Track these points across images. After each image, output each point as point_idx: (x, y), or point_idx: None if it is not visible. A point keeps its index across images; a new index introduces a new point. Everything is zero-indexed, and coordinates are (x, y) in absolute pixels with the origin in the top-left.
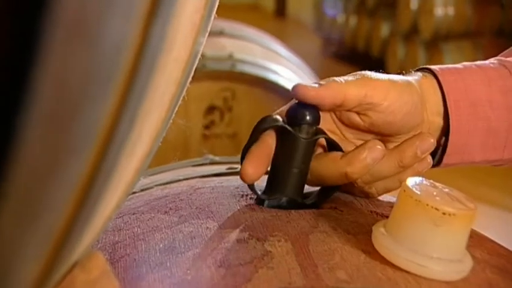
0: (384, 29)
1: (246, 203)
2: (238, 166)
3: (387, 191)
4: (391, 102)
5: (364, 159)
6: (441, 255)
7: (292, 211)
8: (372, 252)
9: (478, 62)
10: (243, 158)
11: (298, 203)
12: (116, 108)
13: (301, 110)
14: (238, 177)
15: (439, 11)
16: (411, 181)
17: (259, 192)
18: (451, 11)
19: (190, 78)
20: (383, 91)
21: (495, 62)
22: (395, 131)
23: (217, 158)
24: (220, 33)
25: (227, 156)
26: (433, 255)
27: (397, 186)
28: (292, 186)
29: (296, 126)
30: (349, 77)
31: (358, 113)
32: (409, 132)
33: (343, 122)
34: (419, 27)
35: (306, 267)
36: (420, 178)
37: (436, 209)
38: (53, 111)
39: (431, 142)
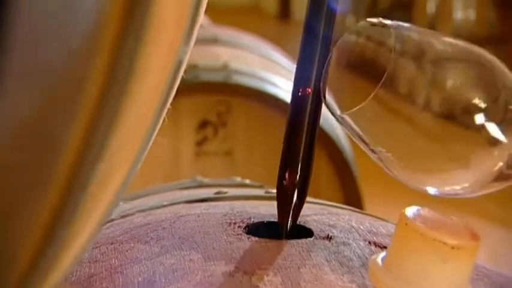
0: None
1: (233, 232)
2: (228, 190)
3: None
4: None
5: None
6: None
7: (284, 241)
8: (368, 287)
9: None
10: None
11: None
12: (79, 148)
13: None
14: (226, 202)
15: (458, 14)
16: (409, 212)
17: None
18: (471, 14)
19: (171, 97)
20: None
21: None
22: None
23: (206, 180)
24: (214, 41)
25: (217, 178)
26: None
27: None
28: None
29: None
30: None
31: None
32: None
33: None
34: None
35: None
36: (417, 207)
37: (444, 243)
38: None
39: None
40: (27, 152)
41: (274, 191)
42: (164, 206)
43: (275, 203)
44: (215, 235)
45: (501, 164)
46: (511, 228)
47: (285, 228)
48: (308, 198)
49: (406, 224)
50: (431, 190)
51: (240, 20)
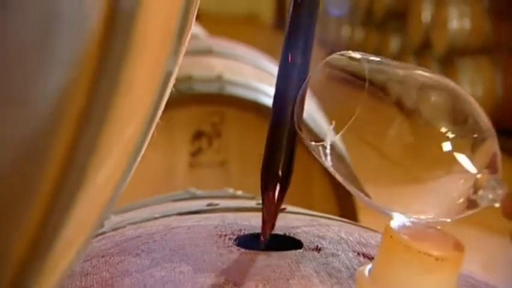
0: (394, 43)
1: (224, 244)
2: (220, 202)
3: None
4: None
5: None
6: None
7: (273, 253)
8: None
9: None
10: None
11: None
12: (60, 169)
13: None
14: (218, 214)
15: (453, 24)
16: (395, 224)
17: None
18: (467, 24)
19: (161, 108)
20: None
21: None
22: None
23: (198, 192)
24: (208, 52)
25: (209, 190)
26: None
27: None
28: None
29: None
30: None
31: None
32: None
33: None
34: (432, 42)
35: None
36: (403, 219)
37: (429, 254)
38: None
39: None
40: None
41: None
42: (156, 218)
43: None
44: (205, 247)
45: (468, 189)
46: (507, 236)
47: (270, 232)
48: (298, 209)
49: (391, 236)
50: (403, 218)
51: (237, 29)
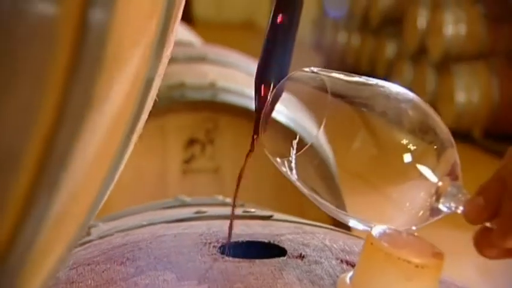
0: (389, 49)
1: (208, 252)
2: (207, 209)
3: None
4: None
5: None
6: None
7: (256, 260)
8: None
9: None
10: None
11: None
12: (32, 179)
13: None
14: (204, 222)
15: (449, 29)
16: (376, 231)
17: None
18: (462, 29)
19: (143, 116)
20: None
21: None
22: None
23: (188, 200)
24: (202, 59)
25: (199, 197)
26: None
27: None
28: None
29: None
30: None
31: None
32: None
33: None
34: (428, 48)
35: None
36: (384, 227)
37: (408, 261)
38: None
39: None
40: None
41: (253, 210)
42: (143, 226)
43: (251, 222)
44: (190, 255)
45: (431, 197)
46: None
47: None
48: (285, 217)
49: (372, 244)
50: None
51: (234, 35)
